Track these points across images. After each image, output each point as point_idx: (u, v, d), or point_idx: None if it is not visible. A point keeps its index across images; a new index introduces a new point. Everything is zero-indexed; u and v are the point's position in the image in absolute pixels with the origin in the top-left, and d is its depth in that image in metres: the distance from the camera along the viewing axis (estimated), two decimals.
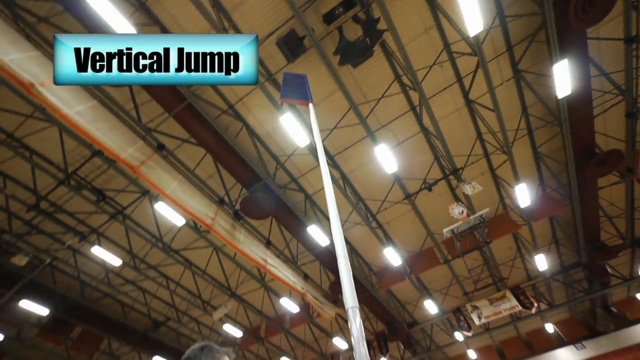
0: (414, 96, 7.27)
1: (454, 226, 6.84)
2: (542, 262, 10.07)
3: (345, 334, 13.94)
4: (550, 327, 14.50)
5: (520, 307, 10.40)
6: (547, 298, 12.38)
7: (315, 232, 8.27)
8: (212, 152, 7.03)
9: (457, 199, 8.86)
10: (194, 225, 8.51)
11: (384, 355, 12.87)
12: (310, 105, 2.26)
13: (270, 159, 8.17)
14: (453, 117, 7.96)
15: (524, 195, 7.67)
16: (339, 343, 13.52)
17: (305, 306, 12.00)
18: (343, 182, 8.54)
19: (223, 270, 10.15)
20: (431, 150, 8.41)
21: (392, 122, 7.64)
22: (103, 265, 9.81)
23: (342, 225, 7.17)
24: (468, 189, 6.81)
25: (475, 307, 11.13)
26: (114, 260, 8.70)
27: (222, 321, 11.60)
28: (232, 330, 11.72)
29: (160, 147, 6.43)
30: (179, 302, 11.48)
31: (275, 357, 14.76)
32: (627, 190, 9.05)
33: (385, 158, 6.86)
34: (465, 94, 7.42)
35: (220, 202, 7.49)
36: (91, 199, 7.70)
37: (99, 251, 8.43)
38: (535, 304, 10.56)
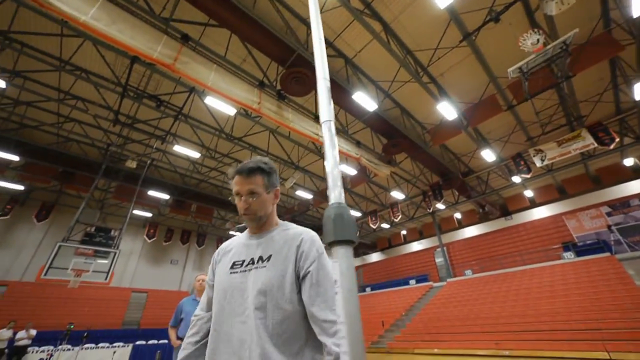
0: None
1: (522, 62, 5.68)
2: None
3: (401, 188, 15.57)
4: (629, 161, 13.41)
5: (595, 145, 9.55)
6: (635, 131, 10.87)
7: (361, 99, 8.02)
8: (236, 31, 6.50)
9: (535, 25, 6.96)
10: (245, 112, 9.03)
11: (439, 202, 14.39)
12: None
13: (299, 24, 7.24)
14: None
15: None
16: (397, 195, 15.36)
17: (362, 169, 13.24)
18: (386, 35, 7.36)
19: (283, 148, 11.30)
20: None
21: None
22: (188, 159, 11.89)
23: (388, 88, 6.83)
24: (553, 7, 5.19)
25: (539, 151, 10.65)
26: (194, 154, 10.36)
27: (294, 188, 13.92)
28: (304, 194, 14.13)
29: (184, 38, 6.17)
30: None
31: None
32: None
33: None
34: None
35: (261, 85, 7.48)
36: (152, 106, 8.52)
37: (180, 149, 10.02)
38: (617, 139, 9.51)
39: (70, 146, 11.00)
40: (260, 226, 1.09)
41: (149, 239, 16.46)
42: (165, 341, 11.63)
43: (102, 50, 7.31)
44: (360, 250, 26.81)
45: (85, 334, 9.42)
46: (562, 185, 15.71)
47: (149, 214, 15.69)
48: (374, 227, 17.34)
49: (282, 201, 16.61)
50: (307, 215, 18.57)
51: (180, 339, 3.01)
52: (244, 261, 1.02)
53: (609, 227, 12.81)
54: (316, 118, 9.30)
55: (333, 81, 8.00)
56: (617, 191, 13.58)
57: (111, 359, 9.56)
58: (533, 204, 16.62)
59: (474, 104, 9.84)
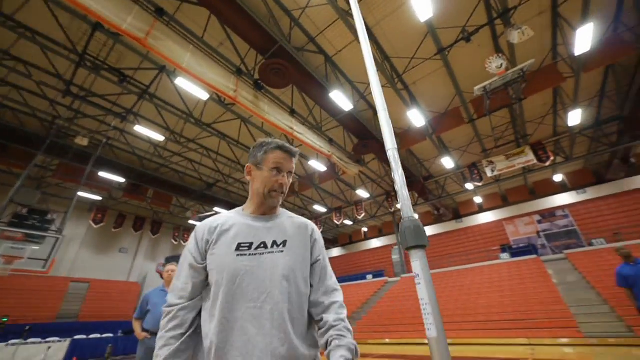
0: None
1: (487, 83, 6.30)
2: (576, 117, 9.64)
3: (367, 187, 16.20)
4: (558, 177, 15.57)
5: (535, 161, 10.91)
6: (565, 152, 12.63)
7: (338, 98, 8.15)
8: (216, 12, 6.18)
9: (498, 50, 7.71)
10: (218, 98, 8.64)
11: (399, 203, 15.26)
12: None
13: (283, 15, 7.10)
14: None
15: (586, 38, 6.44)
16: (362, 193, 15.95)
17: (331, 166, 13.49)
18: (368, 38, 7.55)
19: (254, 139, 11.02)
20: None
21: None
22: (149, 141, 11.03)
23: (364, 90, 7.07)
24: (516, 36, 5.81)
25: (490, 162, 11.85)
26: (157, 137, 9.65)
27: None
28: None
29: (159, 12, 5.70)
30: (222, 168, 13.34)
31: (310, 205, 18.10)
32: None
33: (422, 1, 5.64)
34: None
35: (238, 73, 7.22)
36: (114, 81, 7.74)
37: (141, 130, 9.26)
38: (552, 158, 10.96)
39: (4, 114, 9.52)
40: (274, 208, 1.08)
41: (96, 224, 14.98)
42: (111, 335, 10.83)
43: (56, 10, 6.42)
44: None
45: (27, 327, 8.40)
46: (506, 194, 17.68)
47: (97, 197, 14.26)
48: (338, 223, 17.85)
49: (246, 191, 16.23)
50: None
51: (147, 331, 2.90)
52: (251, 244, 0.95)
53: (538, 233, 14.78)
54: (292, 112, 9.26)
55: (312, 77, 8.03)
56: (547, 202, 15.69)
57: (45, 355, 8.63)
58: (481, 209, 18.46)
59: (440, 114, 10.60)
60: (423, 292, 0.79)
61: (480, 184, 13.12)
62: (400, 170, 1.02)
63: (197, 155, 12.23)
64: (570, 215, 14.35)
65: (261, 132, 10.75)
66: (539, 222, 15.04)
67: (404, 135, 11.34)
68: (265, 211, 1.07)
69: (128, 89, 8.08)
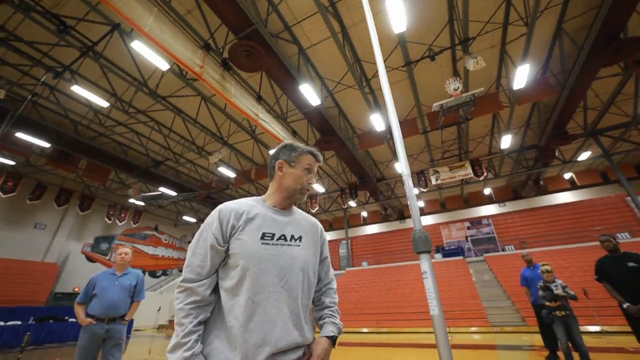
0: None
1: (444, 101, 7.00)
2: (507, 141, 11.22)
3: (323, 181, 16.59)
4: (487, 190, 17.99)
5: (472, 175, 12.44)
6: (495, 170, 14.63)
7: (307, 91, 8.15)
8: None
9: (456, 73, 8.56)
10: (179, 71, 7.96)
11: (353, 200, 16.01)
12: None
13: None
14: None
15: (522, 76, 7.54)
16: (318, 188, 16.29)
17: None
18: (342, 38, 7.69)
19: (213, 119, 10.43)
20: (448, 9, 7.28)
21: None
22: (89, 105, 9.65)
23: (333, 88, 7.24)
24: (471, 64, 6.53)
25: (436, 171, 13.13)
26: (99, 101, 8.49)
27: (217, 164, 13.06)
28: (226, 172, 13.42)
29: None
30: (174, 146, 12.35)
31: (264, 193, 17.84)
32: (619, 84, 9.11)
33: (397, 11, 5.95)
34: None
35: (206, 48, 6.76)
36: (49, 28, 6.58)
37: (79, 91, 8.03)
38: (485, 173, 12.61)
39: None
40: (293, 204, 1.18)
41: (4, 193, 12.63)
42: (19, 322, 9.39)
43: None
44: None
45: None
46: (444, 201, 19.77)
47: (10, 162, 12.00)
48: None
49: (201, 175, 15.34)
50: (224, 194, 17.72)
51: (92, 316, 2.66)
52: (274, 235, 1.03)
53: (466, 237, 16.92)
54: (259, 98, 9.01)
55: (283, 65, 7.91)
56: (476, 211, 18.02)
57: None
58: (422, 212, 20.33)
59: (399, 121, 11.33)
60: (429, 283, 1.00)
61: (425, 190, 14.45)
62: (412, 193, 1.19)
63: (147, 128, 11.12)
64: (492, 224, 16.72)
65: (223, 114, 10.24)
66: (468, 228, 17.22)
67: (364, 137, 11.88)
68: (286, 206, 1.15)
69: (67, 41, 6.95)
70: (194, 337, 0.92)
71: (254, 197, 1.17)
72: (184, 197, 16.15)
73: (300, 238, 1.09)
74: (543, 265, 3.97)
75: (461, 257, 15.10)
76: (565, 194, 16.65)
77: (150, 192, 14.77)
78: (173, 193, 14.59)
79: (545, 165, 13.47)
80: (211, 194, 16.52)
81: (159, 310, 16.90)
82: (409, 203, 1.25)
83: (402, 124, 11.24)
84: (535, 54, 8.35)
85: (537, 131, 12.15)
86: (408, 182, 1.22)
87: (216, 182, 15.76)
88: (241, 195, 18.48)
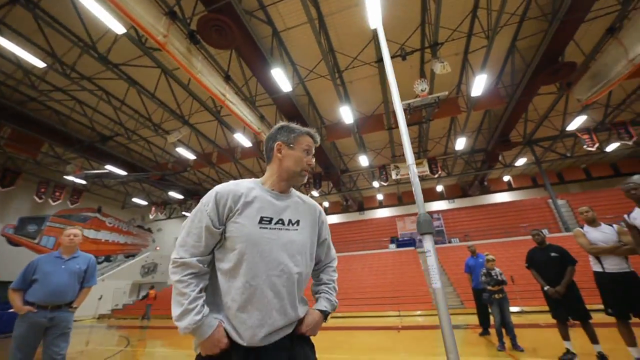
0: None
1: (412, 100, 7.37)
2: (461, 144, 12.25)
3: None
4: (440, 188, 19.56)
5: (428, 172, 13.39)
6: (448, 169, 15.94)
7: (278, 76, 7.90)
8: None
9: (423, 75, 9.03)
10: (137, 37, 7.14)
11: (316, 190, 16.20)
12: None
13: None
14: None
15: (480, 84, 8.24)
16: None
17: (257, 143, 13.10)
18: (319, 25, 7.59)
19: (174, 96, 9.62)
20: (421, 12, 7.59)
21: None
22: (18, 63, 8.21)
23: (305, 76, 7.20)
24: (438, 68, 6.94)
25: (396, 167, 13.85)
26: (32, 60, 7.24)
27: (175, 144, 12.16)
28: (185, 153, 12.57)
29: None
30: (126, 120, 11.16)
31: (225, 178, 17.15)
32: (553, 101, 10.47)
33: (374, 7, 6.02)
34: None
35: (172, 16, 6.15)
36: None
37: (6, 44, 6.76)
38: (440, 172, 13.67)
39: None
40: (291, 186, 1.16)
41: None
42: None
43: None
44: None
45: None
46: (401, 196, 21.03)
47: None
48: None
49: (156, 155, 14.16)
50: (180, 176, 16.65)
51: (31, 304, 2.35)
52: (271, 219, 1.03)
53: None
54: (227, 78, 8.53)
55: (255, 46, 7.59)
56: (429, 206, 19.51)
57: None
58: (381, 205, 21.42)
59: (366, 116, 11.68)
60: (432, 260, 1.10)
61: (385, 184, 15.20)
62: (416, 180, 1.26)
63: (93, 98, 9.85)
64: (442, 219, 18.30)
65: (185, 90, 9.50)
66: None
67: (332, 128, 12.01)
68: (284, 189, 1.13)
69: None
70: (200, 302, 0.93)
71: (252, 179, 1.14)
72: (134, 177, 14.81)
73: (298, 222, 1.09)
74: (488, 255, 4.52)
75: (413, 248, 16.34)
76: (503, 194, 18.87)
77: (95, 169, 13.24)
78: (122, 172, 13.28)
79: (490, 167, 15.04)
80: (166, 175, 15.39)
81: (100, 299, 15.54)
82: (413, 189, 1.33)
83: (369, 118, 11.60)
84: (492, 66, 9.15)
85: (487, 136, 13.46)
86: (412, 169, 1.30)
87: (173, 164, 14.71)
88: (200, 179, 17.55)
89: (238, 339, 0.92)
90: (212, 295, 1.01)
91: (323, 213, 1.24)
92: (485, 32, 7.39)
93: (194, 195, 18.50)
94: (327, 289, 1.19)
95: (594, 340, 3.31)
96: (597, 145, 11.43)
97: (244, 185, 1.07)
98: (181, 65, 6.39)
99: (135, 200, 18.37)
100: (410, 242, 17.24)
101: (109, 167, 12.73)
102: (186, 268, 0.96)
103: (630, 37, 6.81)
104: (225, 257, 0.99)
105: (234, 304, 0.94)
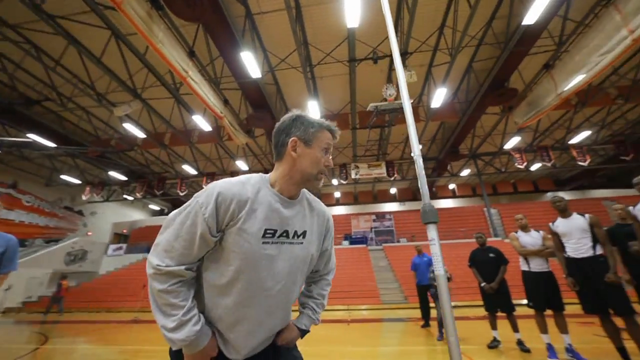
0: None
1: (380, 104, 7.65)
2: (415, 150, 13.11)
3: (248, 160, 15.93)
4: (393, 190, 20.76)
5: (385, 174, 14.10)
6: (403, 173, 16.99)
7: (248, 60, 7.53)
8: None
9: (391, 80, 9.43)
10: None
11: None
12: None
13: None
14: None
15: (439, 97, 8.91)
16: (241, 165, 15.56)
17: (217, 128, 12.38)
18: (296, 13, 7.41)
19: (125, 64, 8.54)
20: (395, 20, 7.90)
21: None
22: None
23: (276, 65, 7.03)
24: (406, 76, 7.30)
25: (356, 166, 14.31)
26: None
27: (122, 119, 10.86)
28: (133, 130, 11.31)
29: None
30: (60, 84, 9.59)
31: (178, 162, 15.89)
32: (496, 121, 11.81)
33: (353, 7, 6.09)
34: None
35: None
36: None
37: None
38: (395, 175, 14.48)
39: None
40: (302, 189, 1.02)
41: None
42: None
43: None
44: (177, 208, 24.70)
45: None
46: (358, 195, 21.81)
47: None
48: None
49: (98, 128, 12.48)
50: (125, 155, 14.98)
51: None
52: (275, 231, 0.90)
53: (371, 229, 19.20)
54: (191, 53, 7.87)
55: (227, 24, 7.16)
56: (382, 207, 20.59)
57: None
58: (338, 202, 21.95)
59: (333, 114, 11.81)
60: (436, 248, 1.13)
61: (344, 182, 15.59)
62: (422, 172, 1.28)
63: (18, 51, 8.27)
64: (393, 219, 19.45)
65: (140, 60, 8.52)
66: (374, 220, 19.56)
67: None
68: (294, 193, 0.98)
69: None
70: (195, 311, 0.85)
71: (260, 176, 0.97)
72: (65, 151, 12.89)
73: (304, 234, 0.97)
74: None
75: (364, 245, 17.09)
76: (447, 200, 20.77)
77: (12, 136, 11.16)
78: (50, 144, 11.42)
79: (439, 175, 16.42)
80: (107, 153, 13.70)
81: (7, 289, 13.23)
82: (419, 182, 1.35)
83: (335, 116, 11.74)
84: (451, 81, 9.95)
85: (439, 146, 14.64)
86: (419, 161, 1.33)
87: (117, 140, 13.14)
88: (148, 161, 15.97)
89: (224, 350, 0.88)
90: (201, 295, 0.92)
91: (331, 220, 1.12)
92: (449, 49, 7.99)
93: (139, 177, 16.79)
94: (313, 304, 1.10)
95: (515, 329, 3.84)
96: (525, 164, 13.22)
97: (250, 187, 0.91)
98: (139, 31, 5.71)
99: (64, 177, 16.00)
100: (363, 240, 18.00)
101: (33, 136, 10.84)
102: (173, 277, 0.83)
103: (560, 74, 8.00)
104: (218, 270, 0.87)
105: (221, 323, 0.87)
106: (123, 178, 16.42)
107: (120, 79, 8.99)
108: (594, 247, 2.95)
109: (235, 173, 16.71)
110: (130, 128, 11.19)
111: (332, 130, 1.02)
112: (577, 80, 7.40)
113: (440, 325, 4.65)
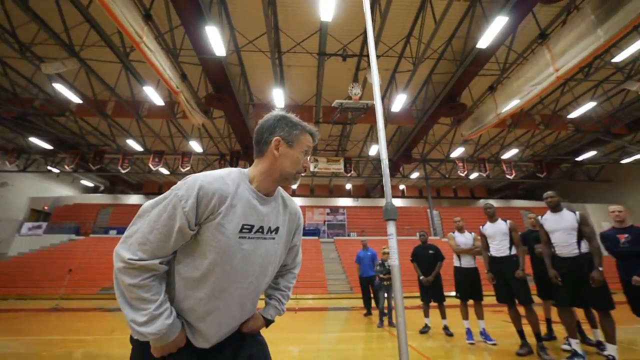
0: None
1: (345, 101, 7.82)
2: (374, 150, 13.77)
3: (202, 142, 14.99)
4: (348, 186, 21.52)
5: (342, 170, 14.54)
6: (359, 170, 17.71)
7: (213, 36, 7.02)
8: None
9: (357, 80, 9.68)
10: None
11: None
12: None
13: None
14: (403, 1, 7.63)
15: (400, 102, 9.45)
16: (194, 146, 14.58)
17: (170, 103, 11.38)
18: None
19: (62, 16, 7.32)
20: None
21: None
22: None
23: (243, 46, 6.80)
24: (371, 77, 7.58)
25: (316, 160, 14.48)
26: None
27: (51, 78, 9.32)
28: (66, 93, 9.76)
29: None
30: None
31: (121, 136, 14.24)
32: (446, 131, 12.98)
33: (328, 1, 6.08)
34: None
35: None
36: None
37: None
38: (352, 171, 15.02)
39: None
40: (277, 187, 1.04)
41: None
42: None
43: None
44: (119, 187, 22.30)
45: None
46: (314, 188, 22.11)
47: None
48: (153, 168, 15.24)
49: (16, 84, 10.47)
50: (53, 120, 12.94)
51: None
52: (252, 227, 0.93)
53: (324, 222, 19.70)
54: (147, 16, 7.07)
55: None
56: (336, 201, 21.22)
57: None
58: (294, 193, 21.97)
59: (297, 105, 11.72)
60: (393, 242, 1.18)
61: (302, 174, 15.67)
62: (387, 171, 1.34)
63: None
64: (346, 214, 20.20)
65: (81, 13, 7.35)
66: (328, 214, 20.08)
67: (261, 107, 11.59)
68: (271, 190, 1.00)
69: None
70: (167, 304, 0.84)
71: (239, 171, 0.98)
72: None
73: (277, 230, 1.01)
74: (385, 248, 5.30)
75: (317, 237, 17.50)
76: (397, 200, 22.24)
77: None
78: None
79: (392, 176, 17.44)
80: (28, 115, 11.66)
81: None
82: (384, 181, 1.43)
83: (300, 108, 11.68)
84: (412, 89, 10.60)
85: (395, 149, 15.54)
86: (385, 164, 1.41)
87: (43, 102, 11.26)
88: (84, 131, 13.98)
89: (192, 340, 0.89)
90: (172, 286, 0.91)
91: (302, 218, 1.17)
92: (413, 58, 8.49)
93: (70, 148, 14.65)
94: (280, 296, 1.14)
95: (443, 316, 4.38)
96: (466, 172, 14.80)
97: (231, 181, 0.92)
98: None
99: None
100: (315, 232, 18.40)
101: None
102: (146, 271, 0.81)
103: (500, 96, 9.10)
104: (192, 263, 0.87)
105: (192, 314, 0.88)
106: (48, 147, 14.16)
107: (53, 30, 7.66)
108: (510, 248, 3.50)
109: (187, 154, 15.59)
110: (62, 89, 9.64)
111: (313, 134, 1.07)
112: (513, 104, 8.51)
113: (382, 313, 5.07)
